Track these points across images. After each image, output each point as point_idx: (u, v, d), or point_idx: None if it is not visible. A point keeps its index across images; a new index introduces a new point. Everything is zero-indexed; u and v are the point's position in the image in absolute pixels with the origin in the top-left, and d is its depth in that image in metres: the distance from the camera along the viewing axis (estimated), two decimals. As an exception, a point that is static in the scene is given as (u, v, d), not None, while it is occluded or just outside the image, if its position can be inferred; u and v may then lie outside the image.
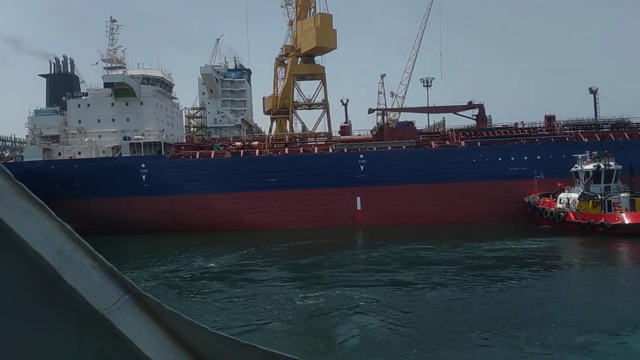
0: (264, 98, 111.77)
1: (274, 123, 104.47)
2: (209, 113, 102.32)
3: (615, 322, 23.71)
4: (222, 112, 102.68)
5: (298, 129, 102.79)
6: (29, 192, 1.92)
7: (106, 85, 74.83)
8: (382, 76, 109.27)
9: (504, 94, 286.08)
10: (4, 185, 1.88)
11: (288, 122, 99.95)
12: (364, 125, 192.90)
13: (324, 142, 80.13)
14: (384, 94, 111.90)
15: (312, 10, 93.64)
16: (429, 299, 28.56)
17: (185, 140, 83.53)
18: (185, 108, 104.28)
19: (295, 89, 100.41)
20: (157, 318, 2.06)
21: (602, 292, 29.64)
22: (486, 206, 68.05)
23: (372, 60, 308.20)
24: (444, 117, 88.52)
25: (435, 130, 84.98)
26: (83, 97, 77.71)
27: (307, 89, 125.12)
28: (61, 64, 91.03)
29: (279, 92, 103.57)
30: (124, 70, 76.91)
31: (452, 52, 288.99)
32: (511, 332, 22.31)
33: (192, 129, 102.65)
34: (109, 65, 79.49)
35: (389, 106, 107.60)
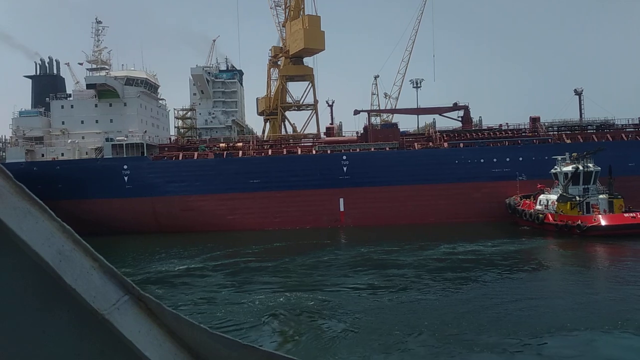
0: (257, 99, 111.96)
1: (268, 124, 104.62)
2: (199, 114, 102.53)
3: (565, 323, 23.65)
4: (213, 113, 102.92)
5: (290, 130, 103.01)
6: (29, 192, 1.93)
7: (88, 86, 74.83)
8: (376, 77, 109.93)
9: (498, 95, 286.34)
10: (4, 186, 1.89)
11: (280, 123, 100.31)
12: (357, 126, 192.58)
13: (309, 144, 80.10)
14: (377, 95, 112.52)
15: (301, 11, 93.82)
16: (392, 300, 28.41)
17: (173, 141, 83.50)
18: (175, 109, 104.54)
19: (287, 90, 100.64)
20: (156, 319, 2.06)
21: (561, 293, 29.55)
22: (468, 207, 68.11)
23: (368, 60, 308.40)
24: (434, 119, 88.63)
25: (422, 132, 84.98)
26: (67, 99, 77.69)
27: (300, 90, 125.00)
28: (47, 65, 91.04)
29: (272, 93, 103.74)
30: (107, 71, 76.91)
31: (445, 53, 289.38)
32: (462, 333, 22.28)
33: (181, 130, 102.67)
34: (94, 66, 79.45)
35: (382, 107, 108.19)
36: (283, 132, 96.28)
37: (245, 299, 27.91)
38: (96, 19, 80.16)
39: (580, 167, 56.15)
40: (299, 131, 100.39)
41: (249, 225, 68.41)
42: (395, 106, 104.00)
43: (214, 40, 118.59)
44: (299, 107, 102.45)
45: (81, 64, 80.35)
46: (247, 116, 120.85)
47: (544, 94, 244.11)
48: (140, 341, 1.98)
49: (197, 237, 59.48)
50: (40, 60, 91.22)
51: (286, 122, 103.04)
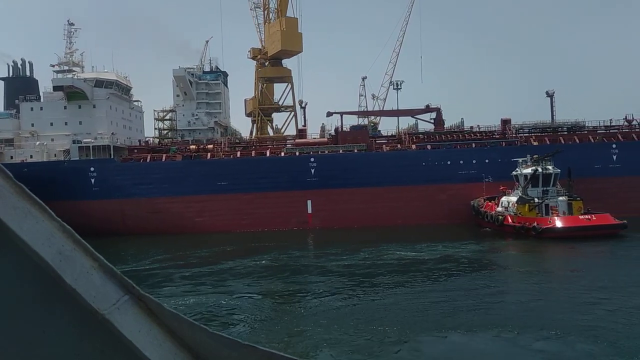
0: (245, 100, 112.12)
1: (255, 125, 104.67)
2: (183, 115, 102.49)
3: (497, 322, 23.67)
4: (196, 115, 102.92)
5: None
6: (29, 192, 1.92)
7: (55, 88, 74.79)
8: (363, 78, 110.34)
9: (489, 96, 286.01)
10: (4, 185, 1.89)
11: (267, 125, 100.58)
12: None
13: (281, 146, 79.99)
14: (365, 96, 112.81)
15: (279, 13, 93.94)
16: (324, 305, 28.54)
17: (143, 143, 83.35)
18: (155, 110, 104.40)
19: (266, 92, 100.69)
20: (156, 318, 2.06)
21: (492, 295, 29.52)
22: (435, 209, 68.10)
23: (357, 61, 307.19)
24: (416, 121, 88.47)
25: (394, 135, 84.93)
26: (37, 101, 77.68)
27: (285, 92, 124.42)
28: (19, 67, 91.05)
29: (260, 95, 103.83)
30: (74, 73, 76.87)
31: (438, 55, 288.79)
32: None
33: (163, 132, 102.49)
34: (65, 68, 79.44)
35: (370, 108, 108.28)
36: (266, 134, 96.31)
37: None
38: (68, 21, 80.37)
39: (539, 170, 56.22)
40: (282, 133, 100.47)
41: (217, 227, 68.31)
42: (383, 107, 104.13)
43: (207, 41, 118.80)
44: (277, 109, 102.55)
45: (52, 66, 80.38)
46: (233, 117, 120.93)
47: (532, 96, 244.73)
48: (140, 341, 1.97)
49: (161, 240, 59.42)
50: (13, 62, 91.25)
51: (271, 124, 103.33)
